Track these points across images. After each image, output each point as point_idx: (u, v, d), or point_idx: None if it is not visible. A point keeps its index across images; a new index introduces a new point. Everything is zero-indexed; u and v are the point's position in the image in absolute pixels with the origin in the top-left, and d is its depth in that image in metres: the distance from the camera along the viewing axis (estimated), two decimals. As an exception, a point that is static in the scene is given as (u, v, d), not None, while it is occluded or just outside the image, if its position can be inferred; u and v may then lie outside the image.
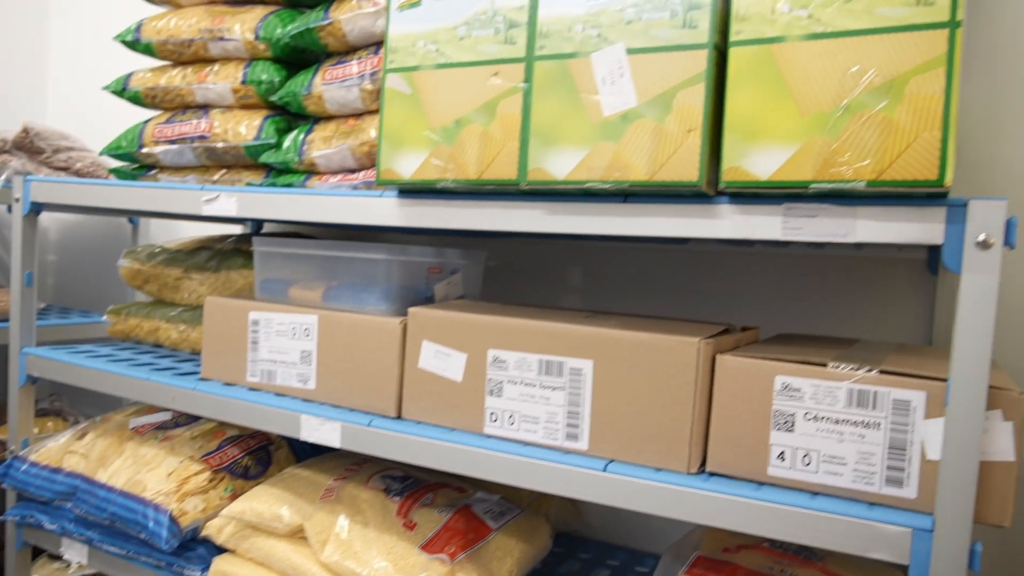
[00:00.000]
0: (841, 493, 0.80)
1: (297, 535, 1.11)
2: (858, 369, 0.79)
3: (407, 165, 0.95)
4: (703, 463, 0.87)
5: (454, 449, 0.95)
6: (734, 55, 0.77)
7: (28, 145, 1.66)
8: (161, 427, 1.32)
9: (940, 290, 1.19)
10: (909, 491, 0.77)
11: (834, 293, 1.27)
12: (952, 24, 0.68)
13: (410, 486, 1.18)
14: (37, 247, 1.37)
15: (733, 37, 0.77)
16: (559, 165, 0.85)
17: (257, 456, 1.29)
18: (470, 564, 1.05)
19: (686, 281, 1.38)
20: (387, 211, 1.00)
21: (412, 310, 1.02)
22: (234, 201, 1.12)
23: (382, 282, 1.08)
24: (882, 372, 0.78)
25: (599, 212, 0.87)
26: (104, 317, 1.53)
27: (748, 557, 1.02)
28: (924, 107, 0.70)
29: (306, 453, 1.36)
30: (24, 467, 1.32)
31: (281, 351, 1.13)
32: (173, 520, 1.14)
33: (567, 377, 0.92)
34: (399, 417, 1.04)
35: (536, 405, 0.94)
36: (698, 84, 0.78)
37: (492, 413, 0.96)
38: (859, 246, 1.22)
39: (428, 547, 1.07)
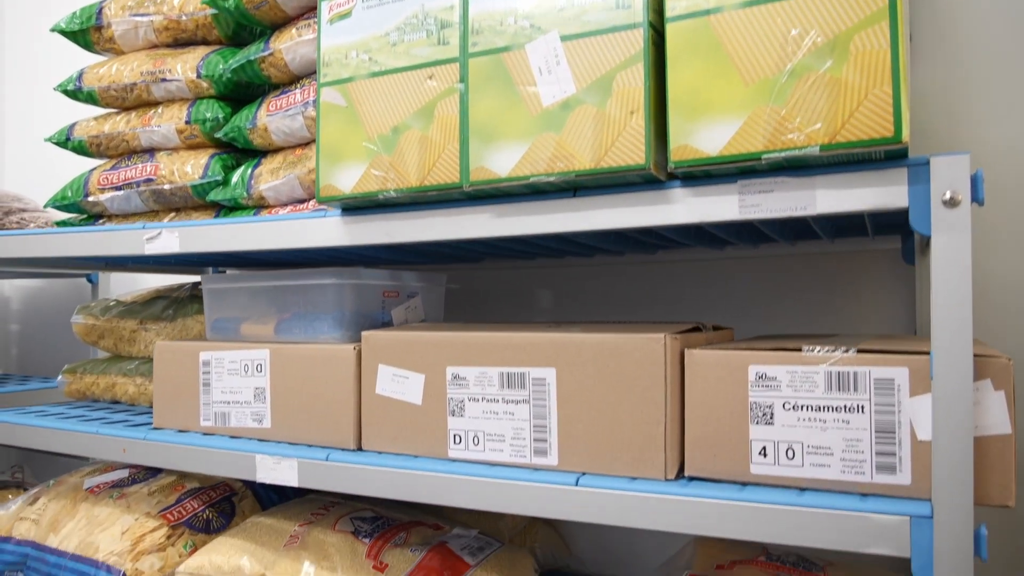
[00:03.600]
0: (830, 486, 0.74)
1: (260, 587, 1.04)
2: (834, 351, 0.74)
3: (347, 179, 0.90)
4: (681, 468, 0.81)
5: (417, 477, 0.89)
6: (671, 31, 0.73)
7: (-22, 208, 1.62)
8: (117, 485, 1.24)
9: (919, 280, 1.15)
10: (903, 477, 0.71)
11: (810, 294, 1.22)
12: (891, -26, 0.65)
13: (381, 526, 1.11)
14: (-19, 306, 1.31)
15: (669, 13, 0.74)
16: (502, 162, 0.81)
17: (219, 508, 1.21)
18: (446, 604, 0.98)
19: (658, 296, 1.33)
20: (331, 231, 0.95)
21: (365, 334, 0.96)
22: (176, 237, 1.07)
23: (334, 309, 1.03)
24: (860, 351, 0.73)
25: (548, 210, 0.82)
26: (59, 378, 1.46)
27: (744, 572, 0.95)
28: (871, 63, 0.66)
29: (272, 502, 1.29)
30: (-28, 540, 1.23)
31: (234, 390, 1.07)
32: (126, 582, 1.06)
33: (530, 389, 0.86)
34: (359, 449, 0.97)
35: (500, 422, 0.87)
36: (636, 64, 0.74)
37: (455, 435, 0.90)
38: (832, 239, 1.17)
39: (400, 589, 0.99)
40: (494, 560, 1.10)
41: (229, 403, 1.07)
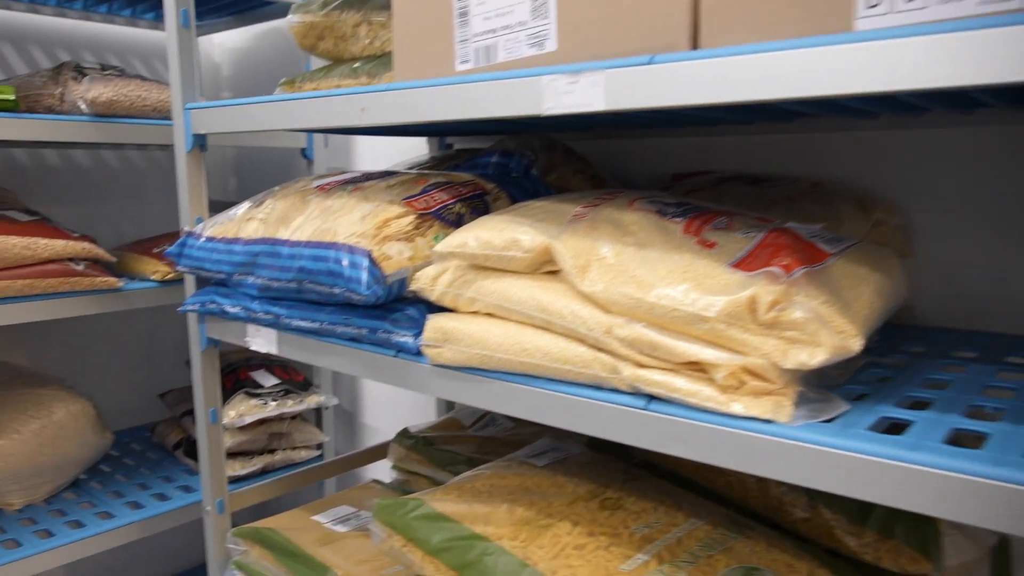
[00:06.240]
0: None
1: (541, 268, 0.78)
2: None
3: None
4: None
5: (804, 58, 0.57)
6: None
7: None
8: (350, 182, 1.03)
9: None
10: None
11: None
12: None
13: (691, 210, 0.82)
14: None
15: None
16: None
17: (471, 204, 0.97)
18: (812, 285, 0.68)
19: None
20: None
21: None
22: None
23: None
24: None
25: None
26: (276, 90, 1.27)
27: None
28: None
29: (532, 208, 1.04)
30: (199, 243, 1.09)
31: (501, 12, 0.79)
32: (373, 262, 0.85)
33: None
34: (695, 48, 0.66)
35: (964, -49, 0.53)
36: None
37: (870, -7, 0.57)
38: None
39: (742, 265, 0.70)
40: (856, 253, 0.78)
41: (495, 31, 0.80)
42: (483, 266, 0.81)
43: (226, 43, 2.02)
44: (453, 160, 1.30)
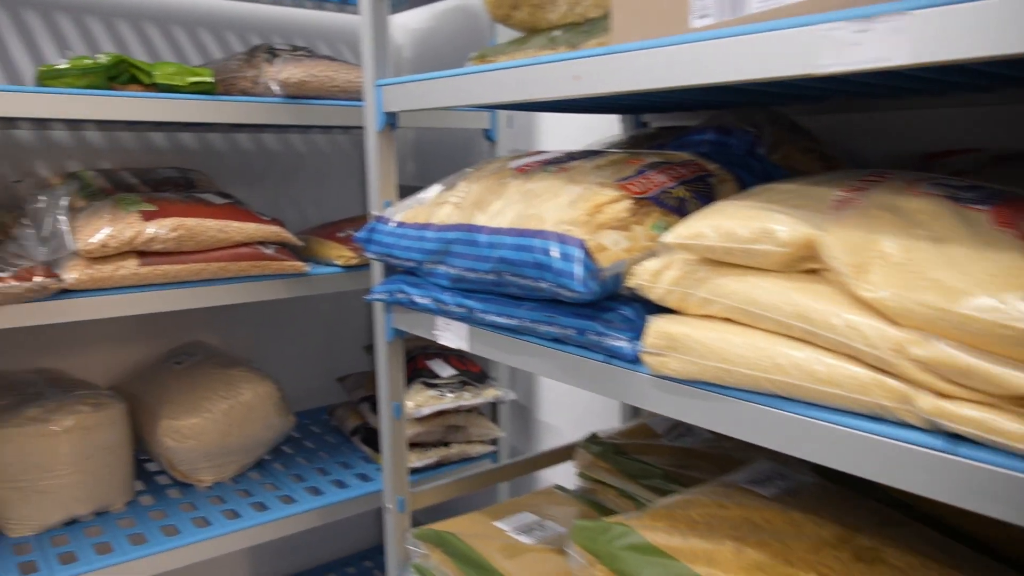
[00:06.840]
0: None
1: (798, 265, 0.64)
2: None
3: None
4: None
5: None
6: None
7: None
8: (553, 162, 0.93)
9: None
10: None
11: None
12: None
13: (994, 195, 0.65)
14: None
15: None
16: None
17: (694, 188, 0.84)
18: None
19: None
20: None
21: None
22: None
23: None
24: None
25: None
26: (466, 64, 1.19)
27: None
28: None
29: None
30: (388, 228, 1.02)
31: (756, -48, 0.65)
32: (588, 254, 0.74)
33: None
34: (1051, -22, 0.50)
35: None
36: None
37: None
38: None
39: (1095, 269, 0.53)
40: None
41: (745, -23, 0.66)
42: (720, 261, 0.68)
43: (408, 24, 1.99)
44: (655, 139, 1.16)
